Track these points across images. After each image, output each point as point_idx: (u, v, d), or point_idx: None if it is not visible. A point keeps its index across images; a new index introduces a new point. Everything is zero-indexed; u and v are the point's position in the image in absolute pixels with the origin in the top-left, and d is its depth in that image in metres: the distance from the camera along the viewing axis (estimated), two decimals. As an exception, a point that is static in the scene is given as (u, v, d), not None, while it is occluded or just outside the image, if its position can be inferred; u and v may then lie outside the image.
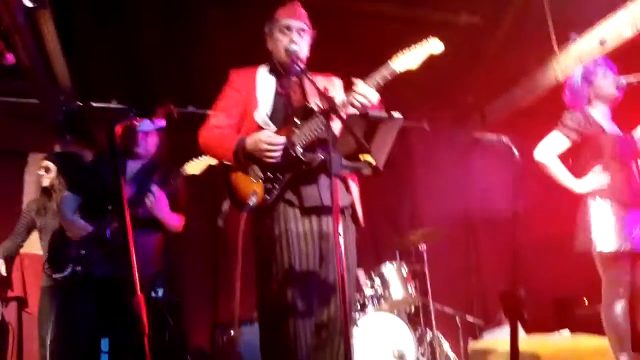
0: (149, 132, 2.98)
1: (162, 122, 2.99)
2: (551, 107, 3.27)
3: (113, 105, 4.03)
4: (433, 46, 2.14)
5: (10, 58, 2.22)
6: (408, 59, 2.11)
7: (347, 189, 2.22)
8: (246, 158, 2.10)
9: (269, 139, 2.06)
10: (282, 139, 2.06)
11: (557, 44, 3.81)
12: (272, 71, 2.31)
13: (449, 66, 2.20)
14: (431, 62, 2.16)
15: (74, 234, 2.78)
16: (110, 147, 1.72)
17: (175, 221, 2.97)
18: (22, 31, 3.02)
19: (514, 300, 1.70)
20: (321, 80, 2.27)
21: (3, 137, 4.05)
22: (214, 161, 2.86)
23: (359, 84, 2.03)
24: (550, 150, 2.81)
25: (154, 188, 2.80)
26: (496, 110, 4.74)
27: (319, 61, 2.32)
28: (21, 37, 3.04)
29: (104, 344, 3.80)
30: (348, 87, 2.16)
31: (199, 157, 2.91)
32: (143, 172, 2.94)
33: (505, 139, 1.97)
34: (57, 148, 3.99)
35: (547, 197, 3.00)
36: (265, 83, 2.26)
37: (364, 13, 3.73)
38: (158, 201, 2.79)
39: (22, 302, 3.76)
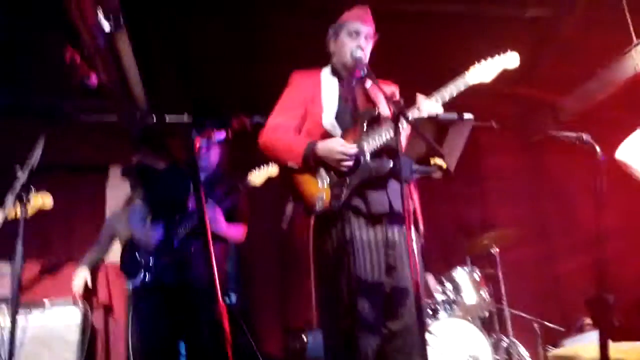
0: (211, 144, 3.02)
1: (222, 135, 3.02)
2: (631, 100, 3.08)
3: (185, 118, 4.20)
4: (509, 60, 2.12)
5: (94, 79, 2.38)
6: (482, 72, 2.09)
7: (410, 195, 2.18)
8: (316, 163, 2.10)
9: (343, 149, 2.05)
10: (355, 149, 2.06)
11: (635, 32, 3.59)
12: (334, 74, 2.30)
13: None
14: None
15: (143, 243, 2.88)
16: (190, 159, 1.79)
17: (235, 233, 3.00)
18: (102, 53, 3.23)
19: (602, 306, 1.60)
20: (375, 90, 2.27)
21: (86, 151, 4.32)
22: (274, 172, 2.93)
23: (423, 102, 2.02)
24: (632, 148, 2.65)
25: (211, 205, 2.83)
26: (569, 105, 4.51)
27: (380, 66, 2.31)
28: (102, 59, 3.25)
29: (182, 347, 3.97)
30: (406, 94, 2.14)
31: (261, 167, 2.96)
32: (206, 185, 2.98)
33: (585, 136, 1.87)
34: (135, 160, 4.20)
35: (632, 197, 2.82)
36: (329, 86, 2.26)
37: (426, 13, 3.67)
38: (214, 218, 2.81)
39: (108, 309, 3.98)
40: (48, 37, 3.02)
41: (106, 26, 3.08)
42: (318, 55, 2.38)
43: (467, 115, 1.93)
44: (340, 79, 2.28)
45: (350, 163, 2.05)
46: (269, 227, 4.52)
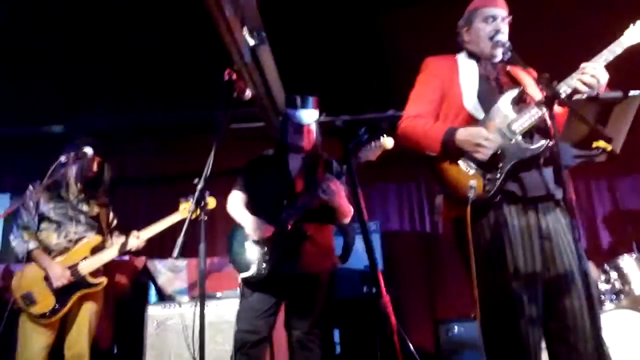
0: (310, 124, 2.88)
1: (317, 113, 2.91)
2: None
3: (323, 118, 4.41)
4: None
5: (248, 93, 2.62)
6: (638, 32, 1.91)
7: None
8: (455, 149, 2.02)
9: (486, 134, 1.97)
10: (499, 139, 1.97)
11: None
12: (471, 57, 2.23)
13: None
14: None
15: (253, 234, 2.76)
16: (346, 159, 1.87)
17: (349, 210, 2.84)
18: (248, 66, 3.53)
19: None
20: (520, 71, 2.17)
21: (241, 157, 4.72)
22: (389, 144, 2.68)
23: (589, 65, 1.88)
24: None
25: (328, 176, 2.72)
26: None
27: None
28: (248, 71, 3.56)
29: (336, 335, 4.18)
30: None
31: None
32: (307, 166, 2.88)
33: None
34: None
35: None
36: (466, 67, 2.19)
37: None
38: (336, 190, 2.68)
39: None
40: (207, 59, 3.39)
41: (251, 41, 3.37)
42: (445, 47, 2.32)
43: (634, 92, 1.78)
44: (478, 61, 2.21)
45: (489, 151, 1.95)
46: (413, 219, 4.59)
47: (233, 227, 2.88)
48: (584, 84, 1.86)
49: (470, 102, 2.09)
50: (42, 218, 3.15)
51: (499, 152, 1.97)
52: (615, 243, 3.92)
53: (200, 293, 2.17)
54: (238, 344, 2.66)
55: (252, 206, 2.88)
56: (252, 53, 3.48)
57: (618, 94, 1.79)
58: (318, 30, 3.96)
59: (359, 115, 4.37)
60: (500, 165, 1.95)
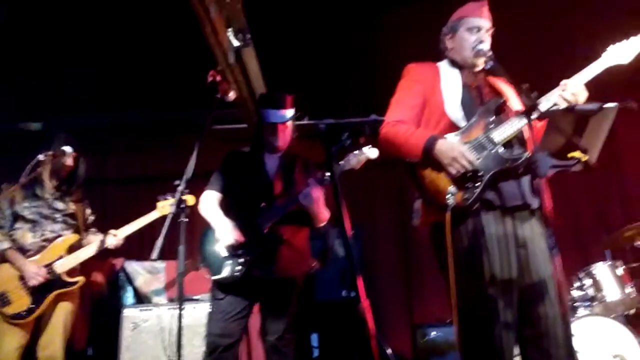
0: (285, 122, 2.78)
1: (292, 112, 2.81)
2: None
3: (306, 121, 4.43)
4: None
5: (232, 95, 2.61)
6: (619, 53, 1.98)
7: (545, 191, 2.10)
8: (433, 158, 2.01)
9: (465, 150, 1.98)
10: (476, 161, 1.98)
11: None
12: (454, 65, 2.24)
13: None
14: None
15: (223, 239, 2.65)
16: (328, 162, 1.87)
17: (326, 217, 2.77)
18: (232, 68, 3.52)
19: None
20: (501, 82, 2.21)
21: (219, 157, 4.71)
22: (373, 154, 2.71)
23: (569, 83, 1.93)
24: None
25: (310, 181, 2.66)
26: None
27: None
28: (232, 73, 3.55)
29: (314, 339, 4.18)
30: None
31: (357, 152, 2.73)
32: (285, 167, 2.82)
33: None
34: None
35: None
36: (449, 75, 2.21)
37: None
38: (317, 197, 2.63)
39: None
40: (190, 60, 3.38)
41: (235, 43, 3.36)
42: (430, 54, 2.33)
43: (609, 104, 1.83)
44: (460, 69, 2.22)
45: (461, 169, 1.96)
46: (391, 223, 4.61)
47: (206, 227, 2.76)
48: (564, 100, 1.92)
49: (453, 110, 2.11)
50: (17, 217, 3.09)
51: (478, 161, 1.99)
52: (590, 251, 4.00)
53: (179, 295, 2.15)
54: (210, 348, 2.59)
55: (228, 207, 2.78)
56: (236, 55, 3.47)
57: (594, 106, 1.84)
58: (302, 34, 3.97)
59: (341, 119, 4.40)
60: (480, 174, 1.98)
